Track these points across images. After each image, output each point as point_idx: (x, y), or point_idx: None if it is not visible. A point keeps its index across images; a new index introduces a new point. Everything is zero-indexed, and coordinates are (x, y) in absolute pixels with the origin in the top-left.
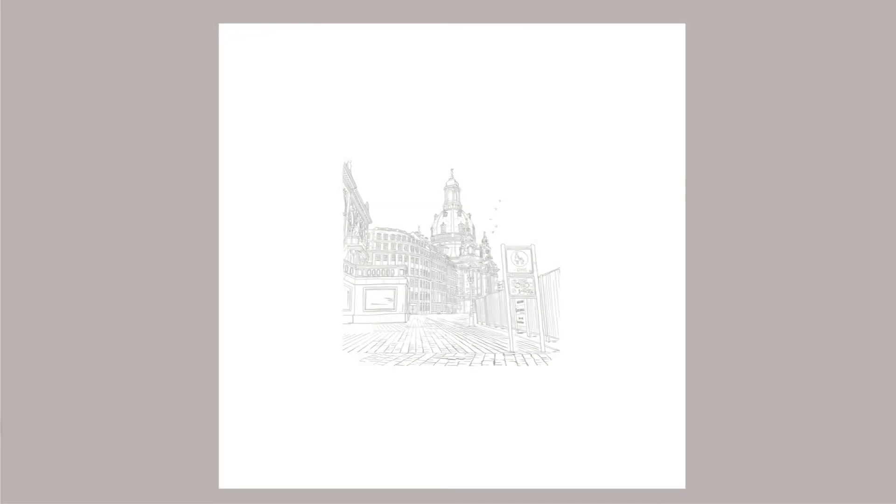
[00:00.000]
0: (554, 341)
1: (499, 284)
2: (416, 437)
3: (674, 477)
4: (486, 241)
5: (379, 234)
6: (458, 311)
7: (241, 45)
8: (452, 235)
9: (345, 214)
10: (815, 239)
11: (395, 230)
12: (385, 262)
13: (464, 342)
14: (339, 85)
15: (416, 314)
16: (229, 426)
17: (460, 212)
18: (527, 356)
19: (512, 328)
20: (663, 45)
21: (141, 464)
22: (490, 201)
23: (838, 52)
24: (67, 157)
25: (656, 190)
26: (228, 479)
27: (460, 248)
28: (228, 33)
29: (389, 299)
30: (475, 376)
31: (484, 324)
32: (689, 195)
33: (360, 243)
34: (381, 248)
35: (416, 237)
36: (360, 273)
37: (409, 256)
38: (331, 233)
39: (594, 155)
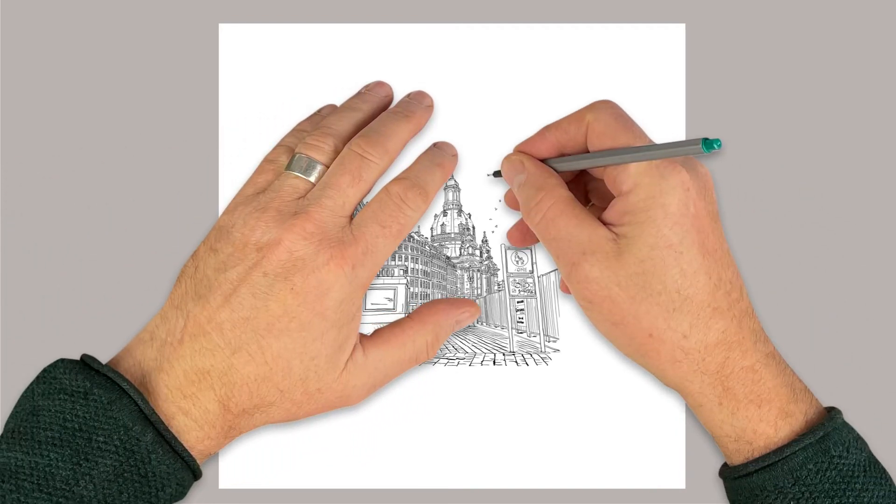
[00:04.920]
0: (554, 341)
1: (499, 284)
2: (417, 437)
3: (674, 477)
4: (486, 241)
5: None
6: None
7: (241, 45)
8: (452, 235)
9: None
10: (815, 239)
11: None
12: (385, 262)
13: (464, 342)
14: (339, 85)
15: None
16: None
17: (460, 212)
18: (527, 356)
19: (512, 328)
20: (663, 45)
21: None
22: (490, 201)
23: (840, 52)
24: (66, 157)
25: None
26: (228, 479)
27: (460, 248)
28: (228, 33)
29: (389, 299)
30: (475, 376)
31: (484, 324)
32: None
33: None
34: None
35: (416, 237)
36: None
37: (409, 256)
38: None
39: None
